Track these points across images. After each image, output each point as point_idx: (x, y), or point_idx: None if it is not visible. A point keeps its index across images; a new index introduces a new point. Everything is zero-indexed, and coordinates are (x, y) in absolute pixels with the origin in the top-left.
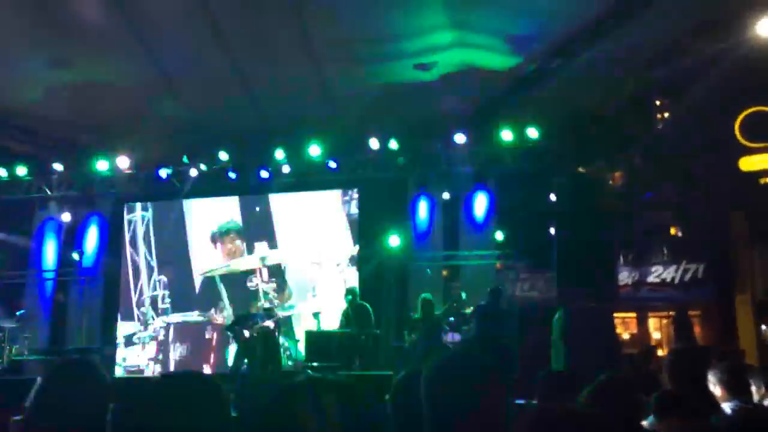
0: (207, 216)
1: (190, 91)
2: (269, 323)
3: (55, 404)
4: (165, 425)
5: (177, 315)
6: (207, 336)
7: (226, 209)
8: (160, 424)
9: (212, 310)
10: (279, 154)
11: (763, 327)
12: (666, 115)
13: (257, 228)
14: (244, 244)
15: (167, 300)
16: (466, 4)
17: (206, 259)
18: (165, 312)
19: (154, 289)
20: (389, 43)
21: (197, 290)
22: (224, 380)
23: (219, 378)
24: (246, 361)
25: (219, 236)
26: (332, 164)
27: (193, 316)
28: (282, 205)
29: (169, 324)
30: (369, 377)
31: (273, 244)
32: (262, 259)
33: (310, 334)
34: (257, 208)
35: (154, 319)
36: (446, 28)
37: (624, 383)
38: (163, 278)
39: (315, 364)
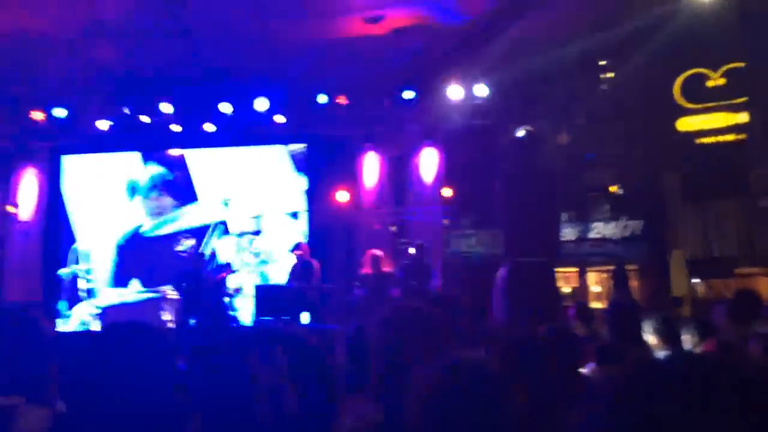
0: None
1: (130, 40)
2: (221, 276)
3: None
4: (110, 379)
5: (108, 296)
6: (164, 317)
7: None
8: (106, 378)
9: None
10: (225, 107)
11: (694, 280)
12: (609, 75)
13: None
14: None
15: (90, 278)
16: None
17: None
18: (91, 294)
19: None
20: None
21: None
22: (171, 333)
23: (166, 330)
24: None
25: (144, 191)
26: (279, 119)
27: (131, 293)
28: (210, 161)
29: (104, 309)
30: (318, 331)
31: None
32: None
33: (260, 288)
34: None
35: (70, 311)
36: None
37: (563, 333)
38: (83, 248)
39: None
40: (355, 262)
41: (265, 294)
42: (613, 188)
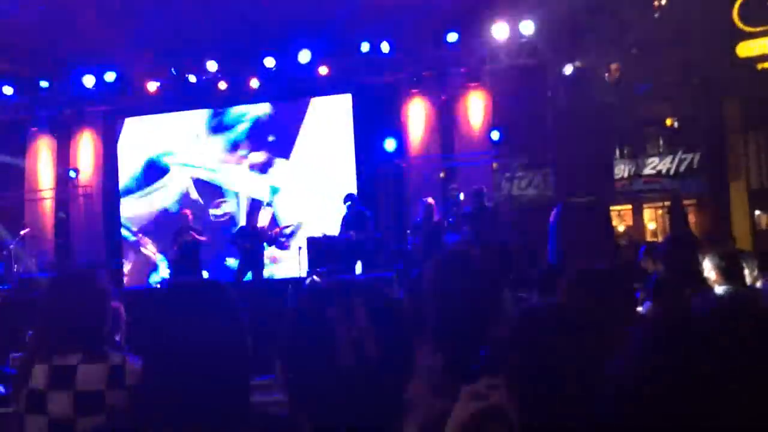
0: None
1: None
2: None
3: (56, 319)
4: (178, 335)
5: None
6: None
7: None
8: (173, 334)
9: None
10: (269, 61)
11: (757, 212)
12: (663, 2)
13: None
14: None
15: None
16: None
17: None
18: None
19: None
20: None
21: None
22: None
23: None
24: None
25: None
26: (323, 70)
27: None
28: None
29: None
30: (373, 279)
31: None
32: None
33: (311, 240)
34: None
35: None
36: None
37: (617, 273)
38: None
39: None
40: (406, 211)
41: (318, 245)
42: (669, 121)
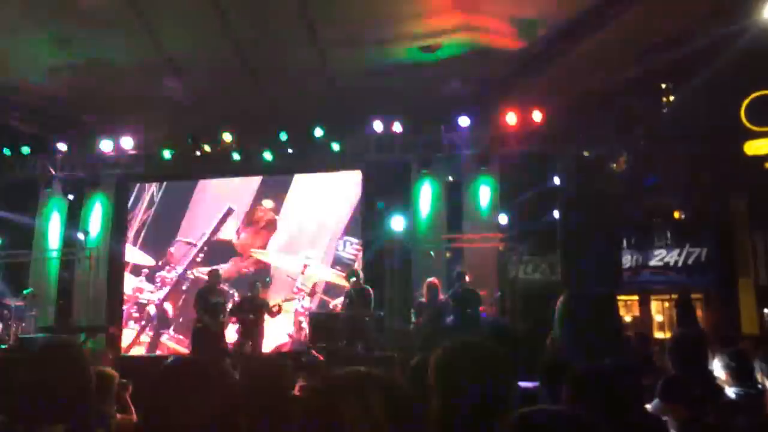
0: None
1: (194, 72)
2: (275, 305)
3: (37, 389)
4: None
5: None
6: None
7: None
8: (166, 407)
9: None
10: (283, 136)
11: (766, 310)
12: (671, 98)
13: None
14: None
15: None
16: None
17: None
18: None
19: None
20: (394, 26)
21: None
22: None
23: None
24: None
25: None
26: (335, 146)
27: None
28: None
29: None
30: (374, 359)
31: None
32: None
33: (314, 316)
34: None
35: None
36: (452, 10)
37: (626, 369)
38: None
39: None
40: (410, 290)
41: (321, 321)
42: (676, 214)
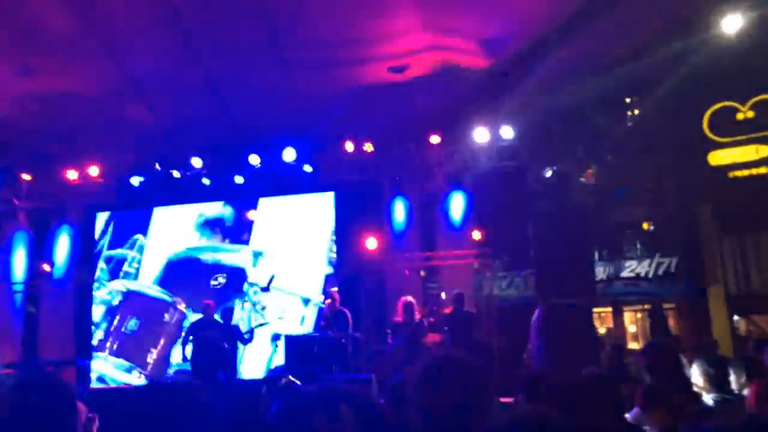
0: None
1: (161, 98)
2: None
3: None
4: None
5: (138, 283)
6: (165, 318)
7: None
8: None
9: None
10: (253, 159)
11: (736, 318)
12: (636, 112)
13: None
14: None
15: (134, 264)
16: (439, 7)
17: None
18: (128, 276)
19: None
20: (362, 47)
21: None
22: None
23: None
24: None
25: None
26: (307, 168)
27: (155, 290)
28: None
29: (128, 291)
30: (351, 381)
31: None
32: (256, 255)
33: (290, 339)
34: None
35: (108, 281)
36: (420, 31)
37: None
38: (140, 240)
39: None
40: (385, 309)
41: (296, 344)
42: (645, 225)
